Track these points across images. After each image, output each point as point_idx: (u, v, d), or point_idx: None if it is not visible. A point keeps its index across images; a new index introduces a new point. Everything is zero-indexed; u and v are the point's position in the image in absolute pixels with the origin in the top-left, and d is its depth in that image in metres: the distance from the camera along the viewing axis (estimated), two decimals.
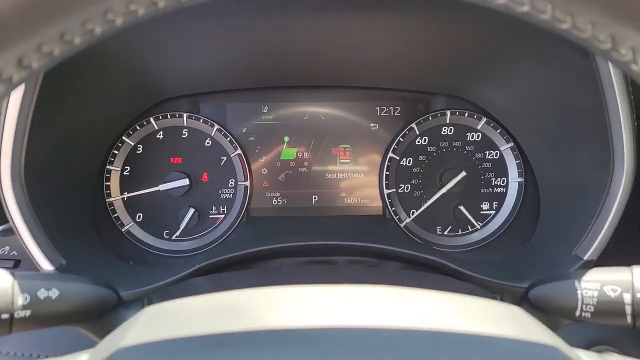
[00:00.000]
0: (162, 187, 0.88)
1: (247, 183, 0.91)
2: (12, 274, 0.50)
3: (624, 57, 0.31)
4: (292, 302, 0.40)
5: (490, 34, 0.70)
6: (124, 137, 0.88)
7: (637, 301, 0.51)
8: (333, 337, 0.34)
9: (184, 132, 0.90)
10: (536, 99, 0.79)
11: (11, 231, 0.69)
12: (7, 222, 0.68)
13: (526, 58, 0.73)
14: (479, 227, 0.91)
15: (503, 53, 0.74)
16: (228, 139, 0.90)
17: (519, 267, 0.77)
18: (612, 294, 0.53)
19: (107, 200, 0.88)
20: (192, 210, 0.89)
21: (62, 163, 0.75)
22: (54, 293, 0.51)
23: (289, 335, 0.35)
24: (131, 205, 0.90)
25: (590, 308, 0.53)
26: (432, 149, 0.92)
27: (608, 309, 0.52)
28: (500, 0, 0.29)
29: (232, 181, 0.91)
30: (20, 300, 0.49)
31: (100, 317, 0.55)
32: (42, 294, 0.51)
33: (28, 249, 0.66)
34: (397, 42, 0.76)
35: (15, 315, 0.49)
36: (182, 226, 0.89)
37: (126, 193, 0.89)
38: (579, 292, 0.53)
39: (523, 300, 0.59)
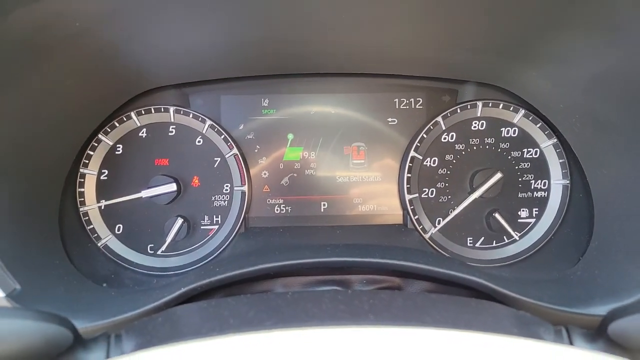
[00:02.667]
0: (146, 193, 0.75)
1: (245, 188, 0.78)
2: None
3: None
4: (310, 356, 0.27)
5: (540, 1, 0.56)
6: (100, 135, 0.76)
7: None
8: None
9: (170, 129, 0.78)
10: (596, 84, 0.65)
11: None
12: None
13: (588, 31, 0.59)
14: (517, 238, 0.78)
15: (556, 26, 0.60)
16: (222, 136, 0.78)
17: (574, 289, 0.63)
18: None
19: (81, 209, 0.76)
20: (180, 221, 0.76)
21: (22, 165, 0.62)
22: None
23: None
24: (109, 216, 0.77)
25: None
26: (461, 146, 0.79)
27: None
28: None
29: (227, 186, 0.78)
30: None
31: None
32: None
33: None
34: (418, 14, 0.61)
35: None
36: (169, 239, 0.76)
37: (103, 201, 0.77)
38: None
39: (599, 335, 0.45)
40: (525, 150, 0.79)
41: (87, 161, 0.76)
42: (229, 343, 0.30)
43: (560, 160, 0.77)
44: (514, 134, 0.79)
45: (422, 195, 0.79)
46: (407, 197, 0.79)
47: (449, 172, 0.79)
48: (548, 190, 0.79)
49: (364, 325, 0.31)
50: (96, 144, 0.76)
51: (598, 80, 0.64)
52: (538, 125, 0.78)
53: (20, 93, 0.59)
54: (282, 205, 0.80)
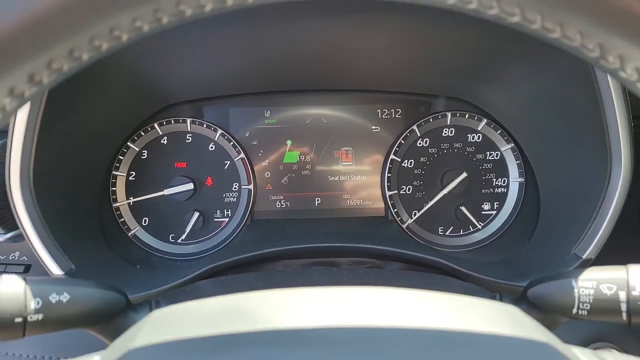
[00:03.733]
0: (167, 191, 0.90)
1: (251, 187, 0.92)
2: (24, 279, 0.52)
3: (611, 65, 0.32)
4: (296, 304, 0.41)
5: (490, 39, 0.71)
6: (128, 143, 0.90)
7: (632, 299, 0.52)
8: (334, 336, 0.35)
9: (187, 137, 0.92)
10: (535, 101, 0.80)
11: (21, 237, 0.70)
12: (17, 228, 0.70)
13: (525, 61, 0.74)
14: (480, 227, 0.92)
15: (502, 56, 0.75)
16: (231, 143, 0.92)
17: (518, 266, 0.78)
18: (608, 292, 0.54)
19: (114, 205, 0.90)
20: (196, 214, 0.90)
21: (69, 170, 0.76)
22: (65, 297, 0.53)
23: (293, 335, 0.36)
24: (137, 210, 0.91)
25: (586, 306, 0.54)
26: (433, 150, 0.93)
27: (604, 307, 0.53)
28: (493, 12, 0.31)
29: (236, 185, 0.92)
30: (32, 304, 0.51)
31: (110, 320, 0.57)
32: (53, 298, 0.52)
33: (38, 254, 0.68)
34: (397, 46, 0.77)
35: (29, 319, 0.50)
36: (188, 230, 0.90)
37: (132, 198, 0.91)
38: (575, 290, 0.55)
39: (522, 299, 0.60)
40: (488, 153, 0.93)
41: (118, 165, 0.90)
42: (237, 299, 0.43)
43: (517, 162, 0.92)
44: (478, 139, 0.93)
45: (401, 192, 0.93)
46: (388, 193, 0.93)
47: (423, 172, 0.93)
48: (507, 187, 0.93)
49: (338, 286, 0.44)
50: (125, 150, 0.90)
51: (535, 98, 0.78)
52: (498, 132, 0.92)
53: (71, 112, 0.73)
54: (282, 201, 0.95)
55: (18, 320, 0.50)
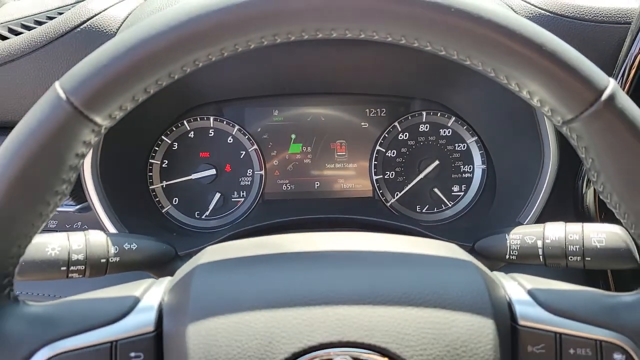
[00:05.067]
0: (194, 176, 1.10)
1: (262, 172, 1.12)
2: (106, 233, 0.72)
3: (514, 89, 0.49)
4: (308, 238, 0.60)
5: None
6: (163, 137, 1.10)
7: (546, 246, 0.72)
8: (331, 255, 0.55)
9: (210, 132, 1.12)
10: (489, 103, 1.00)
11: (86, 209, 0.91)
12: (84, 201, 0.90)
13: (474, 71, 0.94)
14: (450, 206, 1.13)
15: (458, 70, 0.95)
16: (246, 136, 1.12)
17: (476, 232, 0.98)
18: (530, 241, 0.74)
19: (150, 187, 1.10)
20: (218, 195, 1.11)
21: (121, 157, 0.97)
22: (134, 246, 0.73)
23: (306, 254, 0.54)
24: (169, 192, 1.11)
25: (515, 252, 0.74)
26: (412, 142, 1.13)
27: (527, 253, 0.73)
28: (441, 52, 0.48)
29: (250, 171, 1.13)
30: (112, 250, 0.71)
31: (163, 266, 0.77)
32: (126, 246, 0.72)
33: (102, 222, 0.88)
34: (379, 64, 0.98)
35: (110, 261, 0.70)
36: (211, 207, 1.11)
37: (164, 182, 1.11)
38: (507, 241, 0.75)
39: (471, 250, 0.80)
40: (456, 144, 1.13)
41: (154, 154, 1.10)
42: (269, 238, 0.62)
43: (480, 152, 1.12)
44: (448, 133, 1.13)
45: (385, 176, 1.14)
46: (374, 177, 1.13)
47: (403, 161, 1.14)
48: (472, 172, 1.13)
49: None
50: (160, 142, 1.10)
51: (488, 101, 0.99)
52: (464, 128, 1.12)
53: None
54: (288, 184, 1.15)
55: (103, 261, 0.70)
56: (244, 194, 1.13)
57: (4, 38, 0.89)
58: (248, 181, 1.12)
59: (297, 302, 0.46)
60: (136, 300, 0.49)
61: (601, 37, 0.83)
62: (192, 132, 1.12)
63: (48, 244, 0.66)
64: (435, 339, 0.45)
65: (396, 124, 1.13)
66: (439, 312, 0.46)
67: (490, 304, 0.47)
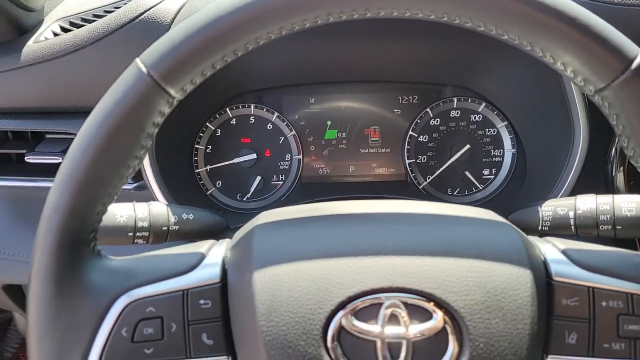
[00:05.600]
0: (236, 160, 1.17)
1: (300, 156, 1.18)
2: (166, 205, 0.79)
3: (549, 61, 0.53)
4: (358, 203, 0.64)
5: (477, 44, 0.96)
6: (207, 124, 1.17)
7: (578, 216, 0.75)
8: (379, 215, 0.60)
9: (251, 119, 1.18)
10: (519, 88, 1.04)
11: (141, 187, 0.98)
12: (140, 180, 0.98)
13: (506, 56, 0.98)
14: (481, 188, 1.17)
15: (490, 53, 0.99)
16: (285, 123, 1.18)
17: (506, 211, 1.02)
18: (562, 212, 0.78)
19: (196, 171, 1.17)
20: (258, 178, 1.17)
21: (172, 144, 1.04)
22: (191, 216, 0.80)
23: (361, 214, 0.59)
24: (213, 175, 1.18)
25: (547, 223, 0.78)
26: (443, 128, 1.18)
27: (559, 224, 0.77)
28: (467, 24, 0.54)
29: (288, 155, 1.19)
30: (172, 219, 0.77)
31: (217, 236, 0.83)
32: (184, 216, 0.79)
33: (157, 198, 0.95)
34: (412, 53, 1.04)
35: (170, 229, 0.77)
36: (252, 190, 1.17)
37: (209, 166, 1.18)
38: (539, 213, 0.79)
39: None
40: (487, 129, 1.17)
41: (199, 140, 1.17)
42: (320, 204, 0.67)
43: (510, 136, 1.15)
44: (479, 119, 1.17)
45: (417, 160, 1.18)
46: (407, 161, 1.18)
47: (435, 145, 1.18)
48: (502, 156, 1.17)
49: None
50: (204, 129, 1.17)
51: (519, 85, 1.03)
52: (495, 113, 1.16)
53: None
54: (323, 168, 1.21)
55: (164, 229, 0.77)
56: (283, 177, 1.19)
57: (67, 30, 0.97)
58: (286, 165, 1.18)
59: (351, 253, 0.52)
60: (202, 256, 0.55)
61: (631, 17, 0.87)
62: (234, 119, 1.18)
63: (117, 212, 0.73)
64: (477, 286, 0.50)
65: (428, 110, 1.17)
66: (479, 262, 0.51)
67: (527, 258, 0.52)
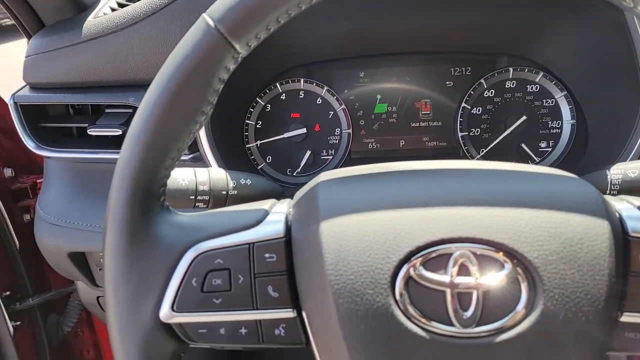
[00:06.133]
0: (286, 134, 1.17)
1: (350, 130, 1.18)
2: (225, 170, 0.80)
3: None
4: (421, 162, 0.63)
5: (534, 8, 0.92)
6: (257, 99, 1.18)
7: None
8: (444, 169, 0.58)
9: (301, 93, 1.18)
10: (581, 54, 0.99)
11: (197, 159, 1.00)
12: (196, 151, 0.99)
13: (567, 20, 0.94)
14: (537, 162, 1.13)
15: (549, 18, 0.95)
16: (335, 97, 1.17)
17: None
18: (632, 175, 0.74)
19: (247, 146, 1.19)
20: (308, 153, 1.17)
21: (224, 119, 1.05)
22: (248, 182, 0.81)
23: (426, 170, 0.58)
24: (263, 150, 1.19)
25: (617, 186, 0.75)
26: (498, 99, 1.14)
27: (629, 186, 0.74)
28: None
29: (338, 130, 1.18)
30: (231, 184, 0.78)
31: None
32: (242, 181, 0.80)
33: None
34: (465, 22, 1.01)
35: (229, 193, 0.78)
36: (302, 164, 1.17)
37: (259, 141, 1.19)
38: (608, 176, 0.76)
39: None
40: (544, 100, 1.12)
41: (249, 115, 1.18)
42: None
43: (569, 107, 1.11)
44: (536, 89, 1.13)
45: (470, 133, 1.15)
46: (460, 134, 1.15)
47: (489, 117, 1.15)
48: (560, 128, 1.12)
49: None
50: (255, 104, 1.18)
51: (580, 51, 0.98)
52: (553, 83, 1.11)
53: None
54: (373, 143, 1.20)
55: (224, 193, 0.78)
56: (332, 151, 1.18)
57: (123, 6, 0.99)
58: (336, 140, 1.18)
59: (419, 203, 0.51)
60: (266, 212, 0.56)
61: None
62: (284, 94, 1.18)
63: (179, 176, 0.74)
64: (551, 236, 0.48)
65: (482, 81, 1.14)
66: (554, 213, 0.49)
67: (604, 210, 0.50)
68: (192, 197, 0.75)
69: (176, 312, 0.51)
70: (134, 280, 0.51)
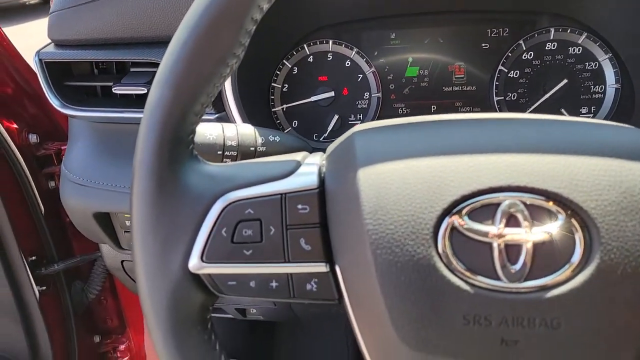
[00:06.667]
0: (313, 98, 1.13)
1: (379, 94, 1.13)
2: (253, 126, 0.78)
3: None
4: (466, 114, 0.59)
5: None
6: (284, 61, 1.14)
7: None
8: (491, 118, 0.54)
9: (329, 56, 1.14)
10: (629, 12, 0.93)
11: (223, 119, 0.98)
12: (222, 112, 0.97)
13: None
14: None
15: None
16: (364, 59, 1.13)
17: None
18: None
19: (272, 110, 1.15)
20: (336, 117, 1.13)
21: (250, 83, 1.02)
22: (277, 138, 0.78)
23: (470, 118, 0.54)
24: (289, 114, 1.16)
25: None
26: (537, 62, 1.08)
27: None
28: None
29: (367, 94, 1.14)
30: (259, 140, 0.76)
31: None
32: (270, 137, 0.77)
33: None
34: None
35: (258, 149, 0.76)
36: (329, 129, 1.14)
37: (285, 105, 1.16)
38: None
39: None
40: (587, 63, 1.06)
41: (275, 78, 1.15)
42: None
43: (614, 70, 1.04)
44: (578, 51, 1.06)
45: (506, 98, 1.10)
46: (495, 99, 1.10)
47: (527, 81, 1.09)
48: (604, 93, 1.06)
49: None
50: (281, 67, 1.15)
51: (632, 8, 0.91)
52: (597, 44, 1.05)
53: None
54: (403, 108, 1.15)
55: (252, 149, 0.75)
56: (361, 116, 1.14)
57: None
58: (365, 104, 1.14)
59: (466, 150, 0.47)
60: (298, 164, 0.53)
61: None
62: (312, 57, 1.14)
63: (206, 131, 0.72)
64: (610, 185, 0.44)
65: (521, 42, 1.08)
66: (613, 161, 0.45)
67: None
68: (219, 152, 0.73)
69: (205, 262, 0.50)
70: (163, 229, 0.50)
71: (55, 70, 1.02)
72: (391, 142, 0.50)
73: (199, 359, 0.51)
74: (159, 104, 0.48)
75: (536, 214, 0.44)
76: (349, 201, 0.48)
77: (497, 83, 1.09)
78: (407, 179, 0.47)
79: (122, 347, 1.84)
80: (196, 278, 0.51)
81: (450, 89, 1.13)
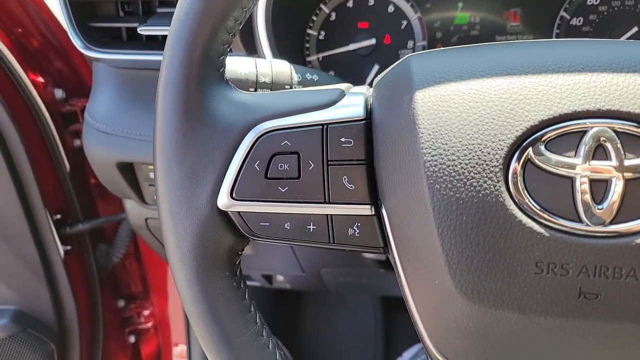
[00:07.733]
0: (352, 46, 1.05)
1: (425, 42, 1.04)
2: (289, 64, 0.70)
3: None
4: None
5: None
6: (321, 6, 1.05)
7: None
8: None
9: (370, 1, 1.05)
10: None
11: None
12: (254, 54, 0.89)
13: None
14: None
15: None
16: (409, 4, 1.03)
17: None
18: None
19: (307, 59, 1.07)
20: (377, 66, 1.05)
21: (284, 27, 0.94)
22: (315, 77, 0.70)
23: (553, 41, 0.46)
24: (325, 64, 1.07)
25: None
26: (603, 8, 0.97)
27: None
28: None
29: (411, 42, 1.05)
30: (295, 78, 0.68)
31: None
32: (308, 76, 0.70)
33: None
34: None
35: (293, 87, 0.69)
36: (368, 80, 1.05)
37: (321, 54, 1.07)
38: None
39: None
40: None
41: (311, 25, 1.07)
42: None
43: None
44: None
45: None
46: None
47: (591, 30, 0.98)
48: None
49: None
50: (318, 12, 1.06)
51: None
52: None
53: None
54: None
55: (287, 87, 0.68)
56: None
57: None
58: (408, 53, 1.05)
59: (544, 68, 0.39)
60: (342, 93, 0.47)
61: None
62: (351, 1, 1.05)
63: (238, 67, 0.65)
64: None
65: None
66: None
67: None
68: (252, 89, 0.65)
69: (236, 199, 0.44)
70: (189, 159, 0.43)
71: (79, 11, 0.96)
72: (454, 63, 0.42)
73: (226, 307, 0.44)
74: (187, 15, 0.42)
75: (629, 144, 0.36)
76: (402, 130, 0.40)
77: (557, 31, 0.99)
78: (473, 101, 0.39)
79: (146, 312, 1.82)
80: (225, 216, 0.45)
81: (504, 37, 1.03)
